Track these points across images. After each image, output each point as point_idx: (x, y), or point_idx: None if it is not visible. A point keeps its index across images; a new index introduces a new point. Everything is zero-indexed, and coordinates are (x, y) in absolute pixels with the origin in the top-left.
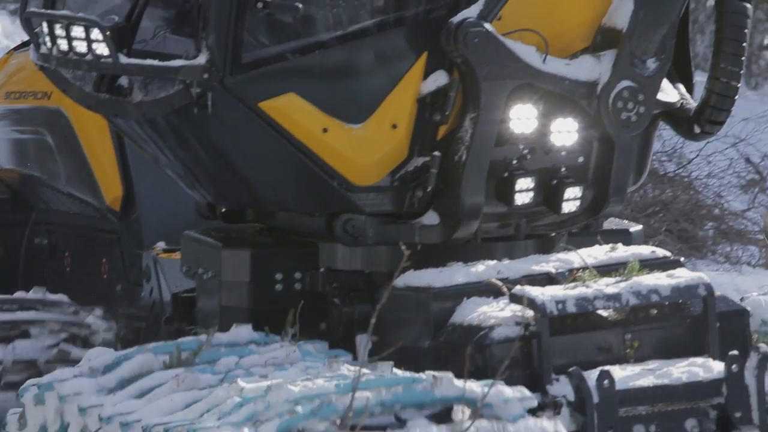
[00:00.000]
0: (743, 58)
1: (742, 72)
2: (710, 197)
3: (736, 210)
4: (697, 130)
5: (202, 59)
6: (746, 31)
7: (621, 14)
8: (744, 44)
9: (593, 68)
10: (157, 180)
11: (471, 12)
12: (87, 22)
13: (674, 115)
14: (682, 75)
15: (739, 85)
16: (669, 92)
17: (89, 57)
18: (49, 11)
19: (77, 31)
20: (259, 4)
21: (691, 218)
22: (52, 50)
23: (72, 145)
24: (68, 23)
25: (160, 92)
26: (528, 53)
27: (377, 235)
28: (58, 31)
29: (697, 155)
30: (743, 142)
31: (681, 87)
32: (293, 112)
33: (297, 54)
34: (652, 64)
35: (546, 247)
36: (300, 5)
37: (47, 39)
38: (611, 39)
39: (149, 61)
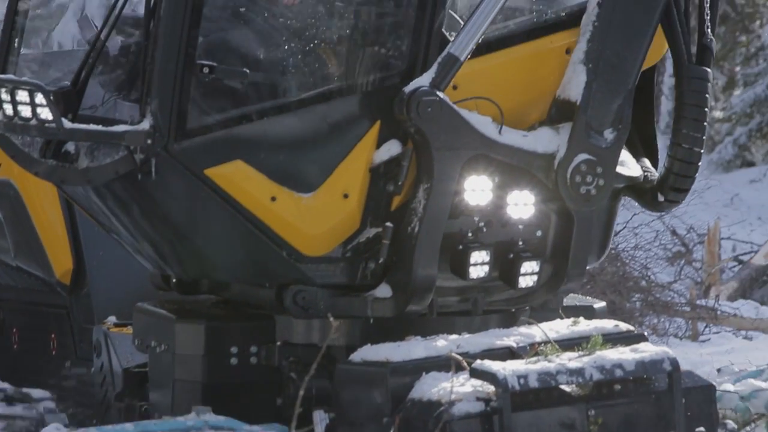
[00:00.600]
0: (705, 124)
1: (704, 137)
2: (637, 269)
3: (663, 282)
4: (660, 198)
5: (146, 125)
6: (707, 96)
7: (574, 86)
8: (706, 109)
9: (551, 140)
10: (108, 252)
11: (423, 80)
12: (31, 87)
13: (637, 188)
14: (646, 145)
15: (702, 150)
16: (631, 166)
17: (33, 122)
18: (9, 77)
19: (22, 95)
20: (205, 70)
21: (618, 290)
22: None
23: (21, 217)
24: (13, 87)
25: (106, 158)
26: (483, 123)
27: (329, 308)
28: (3, 95)
29: (624, 227)
30: (669, 215)
31: (645, 160)
32: (240, 180)
33: (244, 121)
34: (609, 134)
35: (507, 321)
36: (248, 71)
37: None
38: (566, 111)
39: (93, 126)
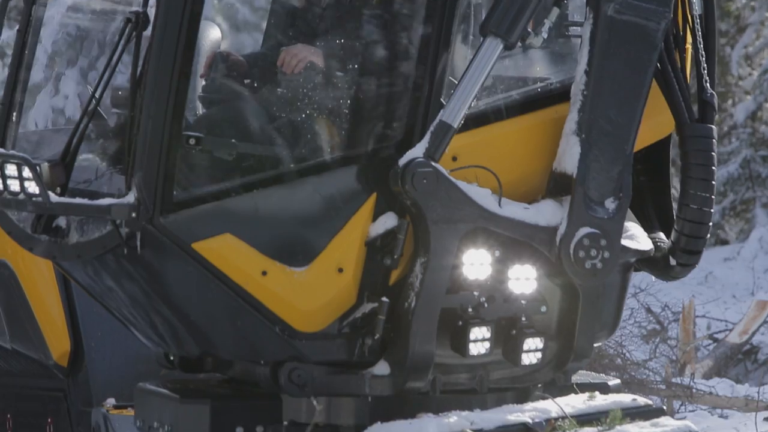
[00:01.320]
0: (713, 183)
1: (713, 197)
2: (612, 346)
3: (638, 360)
4: (673, 263)
5: (130, 198)
6: (713, 154)
7: (569, 159)
8: (713, 168)
9: (554, 213)
10: (107, 332)
11: (417, 151)
12: (18, 160)
13: (649, 259)
14: (661, 217)
15: (712, 210)
16: (642, 240)
17: (21, 196)
18: None
19: (10, 169)
20: (191, 141)
21: (593, 367)
22: None
23: (17, 298)
24: (2, 161)
25: (95, 233)
26: (482, 196)
27: (325, 386)
28: None
29: None
30: (643, 292)
31: (660, 234)
32: (230, 253)
33: (233, 193)
34: (611, 204)
35: (521, 395)
36: (236, 143)
37: None
38: (564, 184)
39: (78, 200)
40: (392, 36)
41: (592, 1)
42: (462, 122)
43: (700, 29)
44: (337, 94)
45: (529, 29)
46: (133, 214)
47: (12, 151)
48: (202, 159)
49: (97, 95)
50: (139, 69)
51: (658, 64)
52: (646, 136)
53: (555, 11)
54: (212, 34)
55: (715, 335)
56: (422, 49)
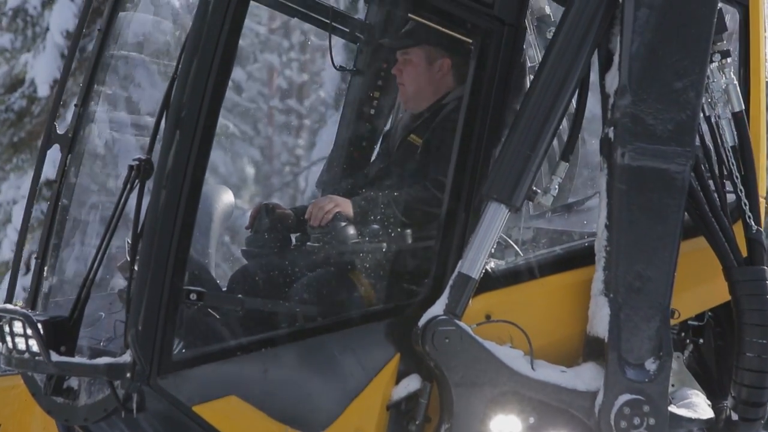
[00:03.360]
0: None
1: None
2: None
3: None
4: (735, 417)
5: (127, 357)
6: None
7: (599, 321)
8: None
9: (594, 378)
10: None
11: (437, 309)
12: (19, 317)
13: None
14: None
15: None
16: (700, 408)
17: (26, 355)
18: (2, 306)
19: (17, 326)
20: (192, 296)
21: None
22: (3, 348)
23: None
24: (10, 318)
25: (99, 394)
26: (512, 357)
27: None
28: (5, 327)
29: None
30: None
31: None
32: (235, 418)
33: (239, 352)
34: (651, 365)
35: None
36: (243, 298)
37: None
38: (598, 349)
39: (78, 360)
40: (425, 192)
41: (604, 150)
42: (482, 273)
43: (735, 162)
44: (363, 247)
45: (536, 189)
46: (128, 375)
47: (15, 308)
48: (204, 315)
49: (102, 247)
50: (141, 218)
51: (694, 206)
52: (708, 299)
53: (563, 166)
54: (224, 197)
55: None
56: (452, 206)
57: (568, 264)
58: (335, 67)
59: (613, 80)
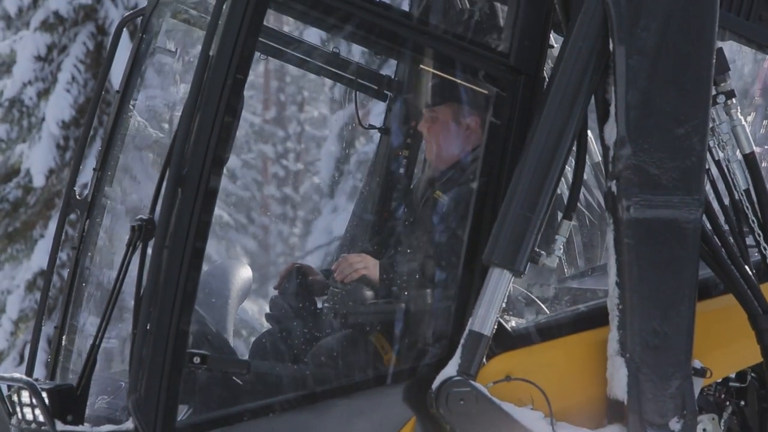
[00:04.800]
0: None
1: None
2: None
3: None
4: None
5: (130, 424)
6: None
7: (618, 383)
8: None
9: None
10: None
11: (450, 369)
12: (23, 385)
13: None
14: None
15: None
16: None
17: (33, 425)
18: (9, 375)
19: (24, 395)
20: (196, 359)
21: None
22: (14, 418)
23: None
24: (18, 387)
25: None
26: (532, 419)
27: None
28: (14, 397)
29: None
30: None
31: None
32: None
33: (246, 418)
34: (675, 425)
35: None
36: (249, 362)
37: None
38: (619, 412)
39: (81, 428)
40: (446, 251)
41: (609, 204)
42: (495, 329)
43: (750, 206)
44: (380, 308)
45: (539, 250)
46: None
47: (21, 376)
48: (208, 379)
49: (107, 313)
50: (144, 279)
51: (711, 255)
52: (743, 357)
53: (566, 225)
54: (243, 273)
55: None
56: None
57: (591, 322)
58: (362, 126)
59: (611, 131)
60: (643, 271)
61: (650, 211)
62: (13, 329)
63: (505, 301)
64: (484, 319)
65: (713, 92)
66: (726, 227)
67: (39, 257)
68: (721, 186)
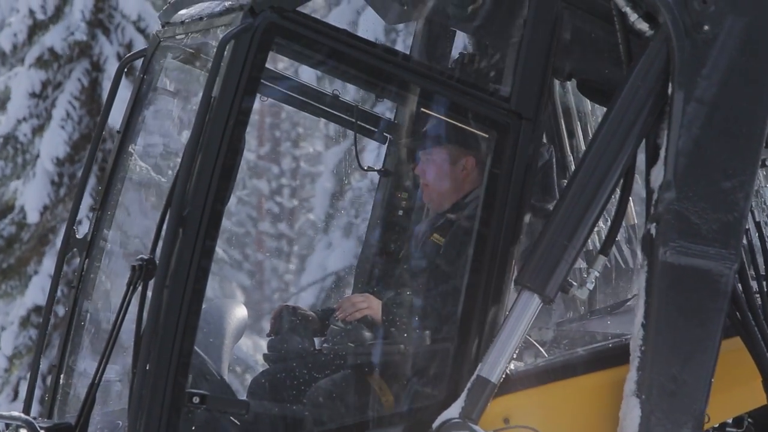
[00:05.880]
0: None
1: None
2: None
3: None
4: None
5: None
6: None
7: (630, 424)
8: None
9: None
10: None
11: (452, 411)
12: (21, 423)
13: None
14: None
15: None
16: None
17: None
18: (8, 413)
19: None
20: (195, 399)
21: None
22: None
23: None
24: (17, 426)
25: None
26: None
27: None
28: None
29: None
30: None
31: None
32: None
33: None
34: None
35: None
36: (249, 402)
37: None
38: None
39: None
40: (444, 294)
41: (646, 246)
42: (503, 378)
43: None
44: (380, 350)
45: (572, 281)
46: None
47: (20, 414)
48: (207, 419)
49: (107, 351)
50: (143, 319)
51: (736, 309)
52: (743, 402)
53: (601, 260)
54: (237, 312)
55: None
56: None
57: (594, 365)
58: (362, 168)
59: (658, 175)
60: (670, 317)
61: (686, 258)
62: (8, 366)
63: (521, 341)
64: (494, 366)
65: (763, 155)
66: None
67: (33, 293)
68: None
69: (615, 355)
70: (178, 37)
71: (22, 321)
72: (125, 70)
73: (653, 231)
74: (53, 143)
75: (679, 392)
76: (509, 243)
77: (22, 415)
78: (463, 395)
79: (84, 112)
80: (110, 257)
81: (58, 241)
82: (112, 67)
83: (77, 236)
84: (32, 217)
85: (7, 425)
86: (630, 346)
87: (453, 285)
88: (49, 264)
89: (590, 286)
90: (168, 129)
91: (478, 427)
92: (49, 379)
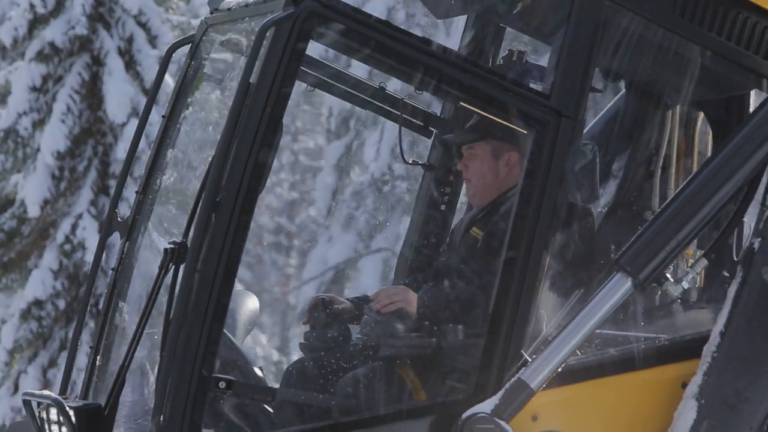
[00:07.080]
0: None
1: None
2: None
3: None
4: None
5: None
6: None
7: (681, 424)
8: None
9: None
10: None
11: (485, 406)
12: (51, 402)
13: None
14: None
15: None
16: None
17: None
18: (39, 392)
19: (53, 413)
20: (222, 384)
21: None
22: None
23: None
24: (47, 405)
25: None
26: None
27: None
28: (42, 414)
29: None
30: None
31: None
32: None
33: None
34: None
35: None
36: (274, 388)
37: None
38: None
39: None
40: (479, 289)
41: (745, 261)
42: (543, 387)
43: None
44: (413, 342)
45: (669, 276)
46: None
47: (50, 393)
48: (233, 405)
49: (138, 335)
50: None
51: None
52: None
53: (702, 262)
54: (250, 303)
55: None
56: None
57: (626, 365)
58: (405, 162)
59: None
60: (752, 333)
61: None
62: (8, 359)
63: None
64: (537, 371)
65: None
66: None
67: (33, 287)
68: None
69: (654, 355)
70: (224, 23)
71: (23, 314)
72: (118, 54)
73: (756, 246)
74: (54, 137)
75: (738, 407)
76: (543, 240)
77: (52, 394)
78: (500, 393)
79: (84, 106)
80: (149, 241)
81: (59, 235)
82: (112, 61)
83: (119, 219)
84: (33, 211)
85: (39, 404)
86: (703, 350)
87: (488, 280)
88: (49, 258)
89: (686, 285)
90: (211, 114)
91: (506, 424)
92: (48, 373)
